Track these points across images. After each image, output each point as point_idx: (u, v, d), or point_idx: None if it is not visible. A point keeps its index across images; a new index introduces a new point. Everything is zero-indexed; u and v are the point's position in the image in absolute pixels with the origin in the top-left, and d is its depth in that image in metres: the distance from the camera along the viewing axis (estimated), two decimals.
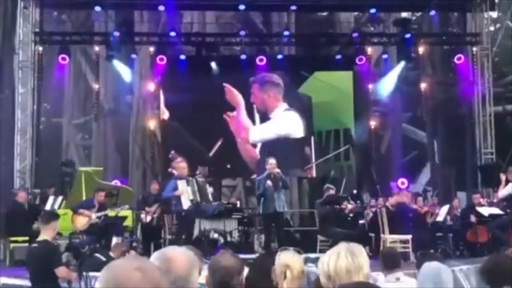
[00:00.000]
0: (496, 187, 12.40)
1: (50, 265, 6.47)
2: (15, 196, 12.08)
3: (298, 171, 16.25)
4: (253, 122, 15.94)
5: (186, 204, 10.93)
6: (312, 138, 16.11)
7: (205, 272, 3.45)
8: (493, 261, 3.67)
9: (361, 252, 2.93)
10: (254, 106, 15.90)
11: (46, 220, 6.88)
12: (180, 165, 11.32)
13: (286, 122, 15.80)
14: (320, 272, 2.92)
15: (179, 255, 2.58)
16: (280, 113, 15.87)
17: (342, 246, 2.94)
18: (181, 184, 10.96)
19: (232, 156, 15.83)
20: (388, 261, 5.49)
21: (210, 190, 11.68)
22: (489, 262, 3.66)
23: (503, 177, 11.77)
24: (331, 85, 16.38)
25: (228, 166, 16.07)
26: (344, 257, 2.85)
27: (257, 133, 15.67)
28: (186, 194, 10.95)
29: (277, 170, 10.90)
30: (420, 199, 13.33)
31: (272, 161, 10.98)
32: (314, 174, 16.43)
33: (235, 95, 15.60)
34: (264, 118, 15.92)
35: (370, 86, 16.60)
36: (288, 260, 4.01)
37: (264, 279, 4.01)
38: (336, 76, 16.65)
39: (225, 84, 15.50)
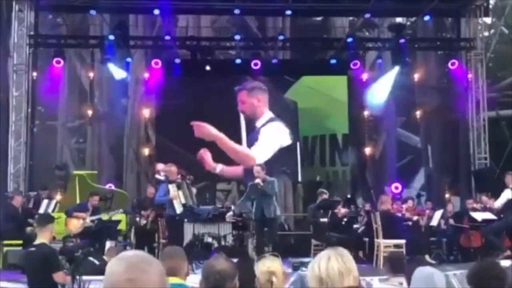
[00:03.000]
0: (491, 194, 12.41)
1: (48, 269, 6.43)
2: (11, 199, 12.06)
3: (284, 177, 16.26)
4: (240, 132, 15.91)
5: (179, 208, 10.92)
6: (298, 144, 16.13)
7: (197, 276, 3.46)
8: (479, 266, 3.69)
9: (348, 256, 2.97)
10: (241, 115, 15.87)
11: (42, 222, 6.85)
12: (171, 169, 11.33)
13: (276, 136, 15.85)
14: (310, 276, 2.93)
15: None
16: (266, 124, 15.86)
17: (330, 250, 2.98)
18: (172, 188, 10.95)
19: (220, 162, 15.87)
20: (395, 265, 5.56)
21: (194, 191, 11.66)
22: (476, 267, 3.69)
23: (484, 198, 11.88)
24: (318, 91, 16.43)
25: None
26: (335, 260, 2.88)
27: (261, 155, 15.52)
28: (178, 198, 10.94)
29: (258, 180, 10.82)
30: (410, 202, 13.35)
31: (256, 168, 10.97)
32: (299, 178, 16.53)
33: (208, 129, 15.46)
34: (250, 126, 15.89)
35: (365, 90, 16.64)
36: (271, 266, 4.00)
37: (246, 285, 4.00)
38: (325, 81, 16.68)
39: (192, 123, 15.36)
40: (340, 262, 2.87)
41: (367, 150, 17.44)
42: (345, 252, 2.98)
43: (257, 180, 10.77)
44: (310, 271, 2.92)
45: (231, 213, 12.21)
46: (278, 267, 4.01)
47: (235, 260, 4.37)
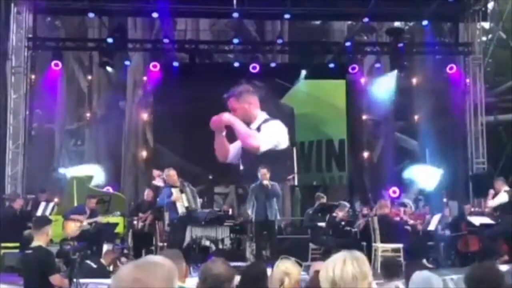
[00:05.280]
0: (485, 197, 12.41)
1: (45, 272, 6.41)
2: (11, 202, 12.06)
3: (280, 180, 16.21)
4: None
5: (181, 210, 10.93)
6: (295, 149, 16.07)
7: (194, 279, 3.47)
8: (477, 268, 3.69)
9: (364, 260, 2.93)
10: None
11: (39, 225, 6.83)
12: (170, 173, 11.34)
13: (277, 131, 15.74)
14: (323, 277, 2.90)
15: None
16: (263, 123, 15.74)
17: (346, 253, 2.92)
18: (175, 191, 10.96)
19: (215, 166, 15.80)
20: (389, 270, 5.53)
21: (199, 200, 11.68)
22: (474, 269, 3.68)
23: (491, 191, 11.78)
24: (315, 96, 16.41)
25: (210, 177, 16.00)
26: (350, 264, 2.84)
27: (264, 140, 15.41)
28: (181, 200, 10.95)
29: (266, 182, 10.87)
30: (408, 207, 13.34)
31: (263, 171, 10.99)
32: (296, 182, 16.47)
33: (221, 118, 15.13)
34: None
35: (363, 94, 16.69)
36: (289, 268, 4.03)
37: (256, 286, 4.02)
38: (322, 86, 16.66)
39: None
40: (356, 266, 2.84)
41: (365, 154, 17.44)
42: (361, 256, 2.93)
43: (265, 182, 10.80)
44: (323, 272, 2.89)
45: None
46: (295, 272, 4.04)
47: (232, 263, 4.38)
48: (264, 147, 14.65)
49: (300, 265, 4.31)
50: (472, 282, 3.53)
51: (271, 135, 15.48)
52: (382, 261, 6.50)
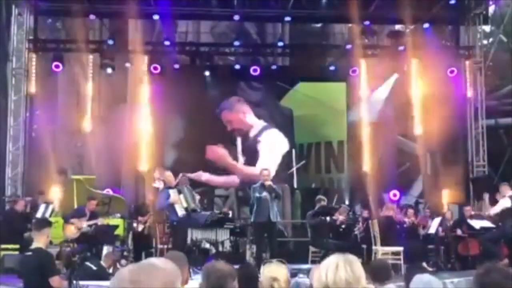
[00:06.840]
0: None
1: (44, 274, 6.41)
2: (13, 204, 12.07)
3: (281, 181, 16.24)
4: (236, 148, 15.91)
5: (180, 212, 10.92)
6: (294, 151, 16.08)
7: (194, 282, 3.46)
8: (487, 270, 3.64)
9: (357, 263, 2.90)
10: (235, 134, 15.88)
11: (38, 227, 6.83)
12: (166, 174, 11.36)
13: (276, 145, 15.83)
14: (316, 282, 2.87)
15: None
16: (261, 134, 15.80)
17: (339, 257, 2.89)
18: (173, 193, 10.95)
19: (215, 168, 15.81)
20: (379, 273, 5.35)
21: (197, 197, 11.67)
22: (485, 268, 3.63)
23: (486, 195, 11.74)
24: (313, 98, 16.40)
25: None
26: (343, 268, 2.81)
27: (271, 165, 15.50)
28: (179, 202, 10.94)
29: (268, 183, 10.88)
30: (411, 211, 13.33)
31: (265, 172, 11.00)
32: (295, 185, 16.46)
33: (223, 155, 15.53)
34: (245, 140, 15.89)
35: (363, 97, 16.67)
36: (275, 272, 3.98)
37: None
38: (321, 88, 16.65)
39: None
40: (349, 271, 2.79)
41: (365, 157, 17.38)
42: (354, 260, 2.90)
43: (267, 183, 10.81)
44: (316, 277, 2.86)
45: None
46: (282, 274, 3.99)
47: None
48: (272, 172, 14.73)
49: (284, 263, 4.25)
50: (484, 283, 3.49)
51: (272, 154, 15.58)
52: (370, 265, 6.01)
